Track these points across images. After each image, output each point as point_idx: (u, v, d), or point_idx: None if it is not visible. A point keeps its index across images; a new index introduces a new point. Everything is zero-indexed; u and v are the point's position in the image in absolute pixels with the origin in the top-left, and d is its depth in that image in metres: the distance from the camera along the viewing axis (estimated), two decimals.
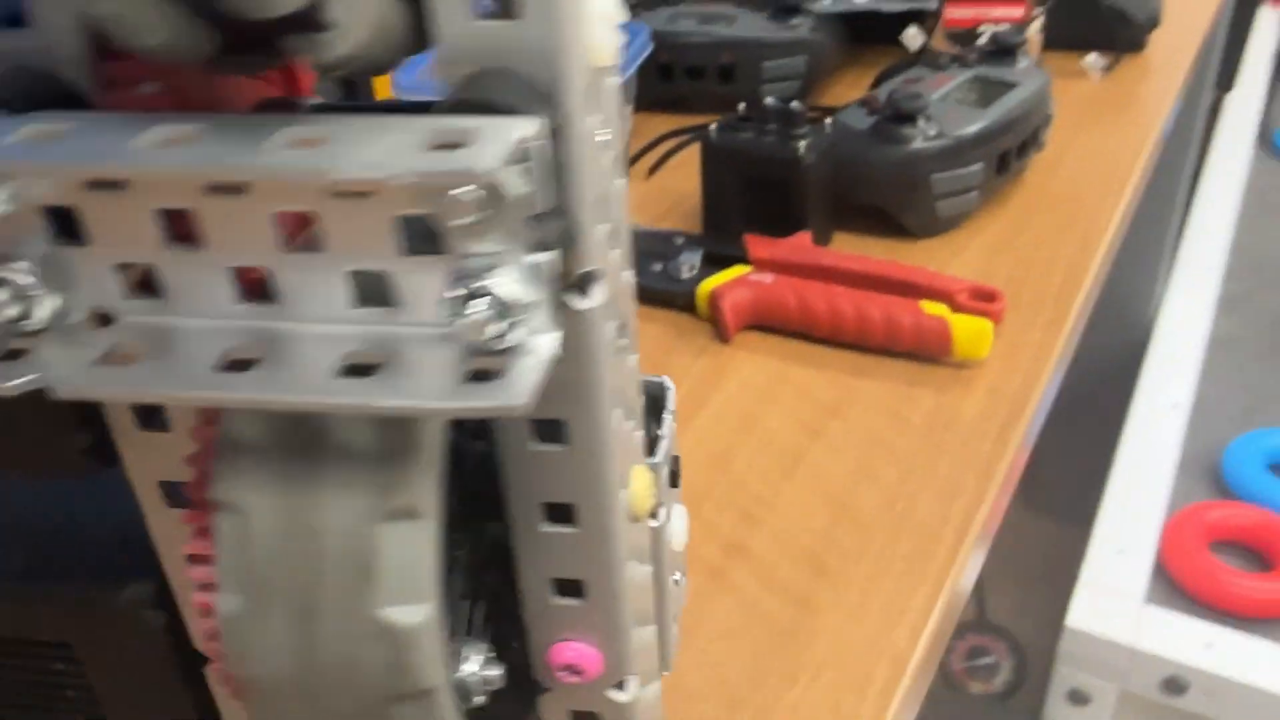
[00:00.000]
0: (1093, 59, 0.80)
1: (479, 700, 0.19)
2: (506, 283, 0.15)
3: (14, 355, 0.15)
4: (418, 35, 0.17)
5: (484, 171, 0.14)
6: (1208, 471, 1.59)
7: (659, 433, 0.25)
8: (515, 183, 0.15)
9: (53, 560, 0.20)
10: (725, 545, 0.43)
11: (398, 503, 0.16)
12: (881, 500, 0.45)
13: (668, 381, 0.25)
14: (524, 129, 0.15)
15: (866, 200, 0.62)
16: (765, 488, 0.46)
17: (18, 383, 0.15)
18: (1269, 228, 2.13)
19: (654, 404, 0.26)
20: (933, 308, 0.52)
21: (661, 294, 0.57)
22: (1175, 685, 0.99)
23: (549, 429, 0.19)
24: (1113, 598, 1.03)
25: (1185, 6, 0.89)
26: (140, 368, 0.15)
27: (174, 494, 0.19)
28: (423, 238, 0.15)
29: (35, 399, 0.17)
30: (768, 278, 0.55)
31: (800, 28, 0.74)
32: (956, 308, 0.52)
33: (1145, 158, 0.70)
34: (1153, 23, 0.82)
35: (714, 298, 0.55)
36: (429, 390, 0.14)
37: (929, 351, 0.52)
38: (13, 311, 0.15)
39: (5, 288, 0.15)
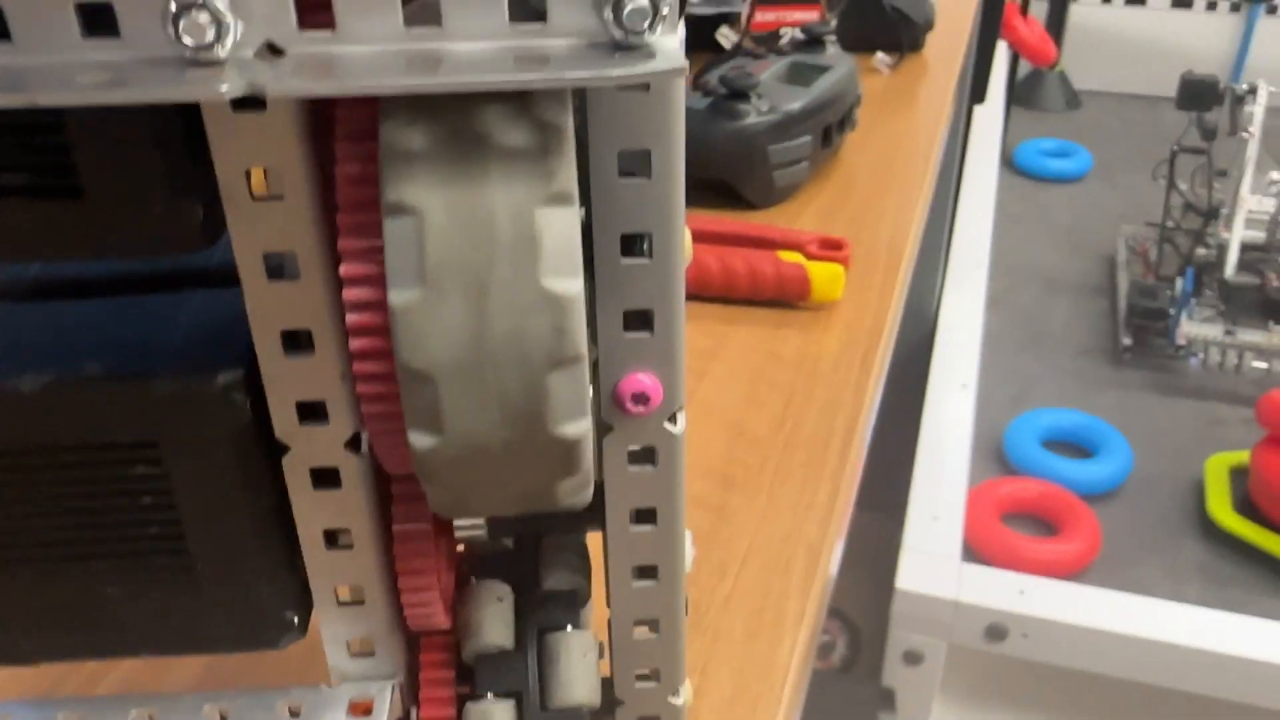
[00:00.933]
0: (881, 57, 0.88)
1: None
2: None
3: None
4: None
5: None
6: (993, 451, 1.74)
7: None
8: None
9: (131, 362, 0.20)
10: None
11: (554, 189, 0.18)
12: (771, 422, 0.49)
13: None
14: None
15: (709, 175, 0.66)
16: None
17: (227, 87, 0.16)
18: (1014, 235, 2.35)
19: None
20: (790, 256, 0.56)
21: None
22: (996, 632, 1.07)
23: None
24: (933, 559, 1.11)
25: (949, 14, 1.00)
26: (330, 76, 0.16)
27: (277, 268, 0.20)
28: None
29: (152, 175, 0.18)
30: None
31: None
32: (809, 256, 0.57)
33: (941, 134, 0.78)
34: (929, 25, 0.91)
35: None
36: (587, 63, 0.17)
37: (790, 297, 0.56)
38: (210, 35, 0.16)
39: (204, 10, 0.16)
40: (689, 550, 0.28)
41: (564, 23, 0.18)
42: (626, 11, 0.17)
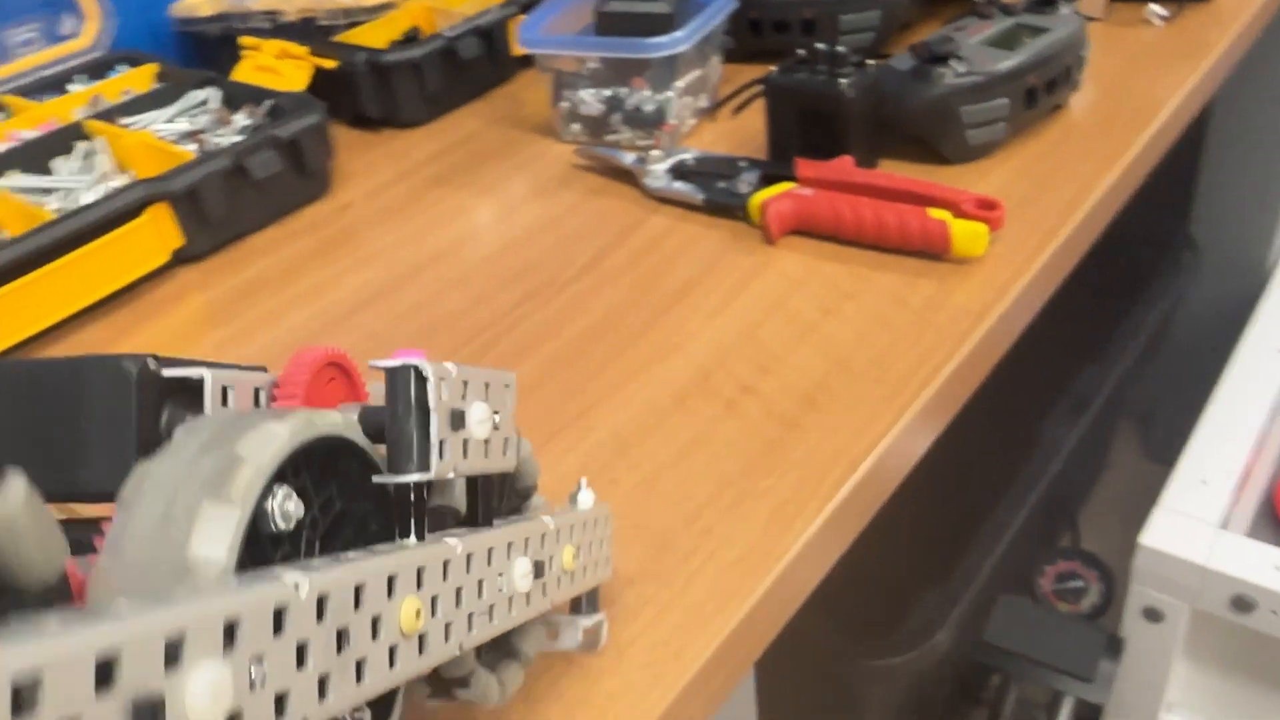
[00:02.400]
0: (1153, 8, 0.87)
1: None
2: None
3: None
4: None
5: None
6: None
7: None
8: None
9: None
10: (740, 387, 0.56)
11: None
12: (871, 359, 0.57)
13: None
14: None
15: (909, 131, 0.72)
16: (780, 349, 0.58)
17: None
18: None
19: None
20: (937, 213, 0.62)
21: (722, 205, 0.69)
22: (1243, 603, 1.05)
23: None
24: (1189, 521, 1.09)
25: None
26: None
27: None
28: None
29: None
30: (809, 192, 0.67)
31: None
32: (960, 214, 0.63)
33: (1182, 95, 0.78)
34: None
35: (763, 207, 0.67)
36: None
37: (933, 249, 0.63)
38: None
39: None
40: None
41: None
42: None
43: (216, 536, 0.23)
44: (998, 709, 1.23)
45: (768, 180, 0.69)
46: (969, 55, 0.70)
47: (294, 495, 0.25)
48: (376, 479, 0.29)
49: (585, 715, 0.41)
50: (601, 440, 0.54)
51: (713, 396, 0.55)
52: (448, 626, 0.29)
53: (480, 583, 0.31)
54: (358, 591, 0.24)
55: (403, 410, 0.28)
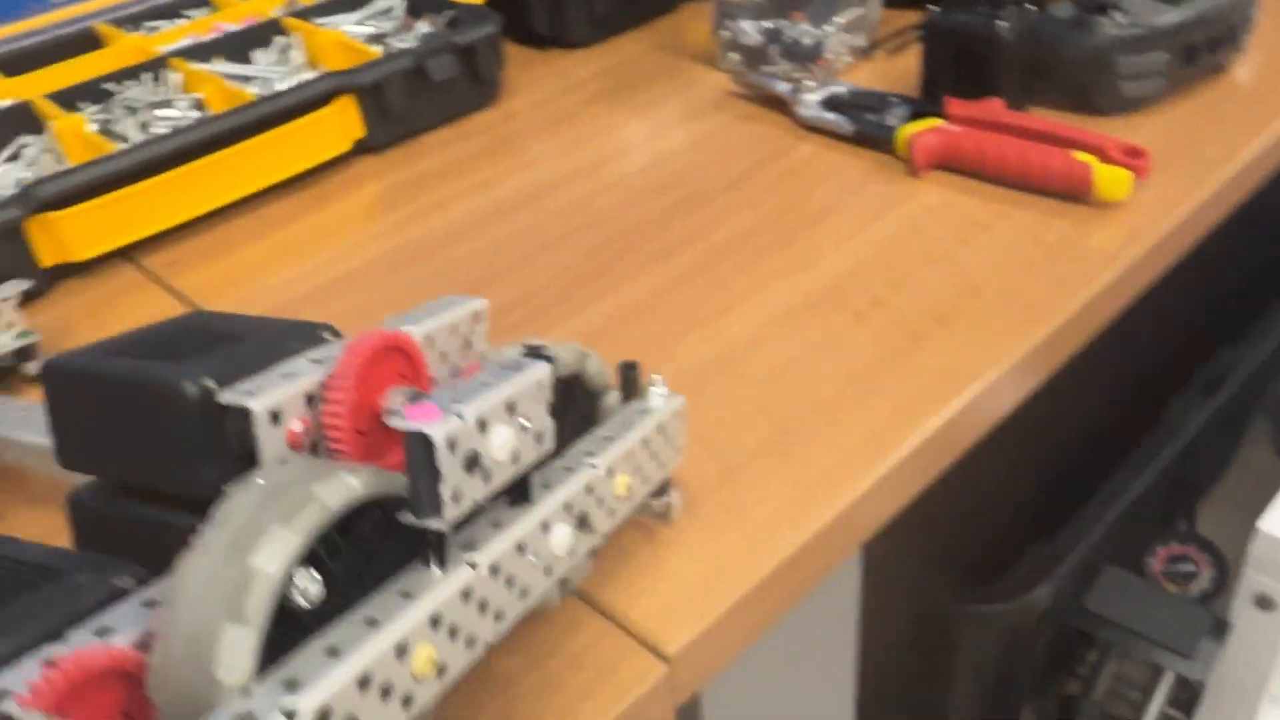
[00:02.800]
0: None
1: None
2: None
3: None
4: None
5: None
6: None
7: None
8: None
9: None
10: (871, 300, 0.59)
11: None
12: (1001, 288, 0.59)
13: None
14: None
15: (1063, 79, 0.73)
16: (912, 270, 0.61)
17: None
18: None
19: None
20: (1082, 156, 0.64)
21: (870, 136, 0.72)
22: None
23: None
24: None
25: None
26: None
27: None
28: None
29: None
30: (956, 129, 0.69)
31: None
32: (1106, 159, 0.64)
33: None
34: None
35: (910, 140, 0.69)
36: None
37: (1074, 191, 0.64)
38: None
39: None
40: None
41: None
42: None
43: (236, 656, 0.27)
44: (1091, 683, 1.23)
45: (916, 116, 0.71)
46: (1131, 6, 0.71)
47: (315, 576, 0.29)
48: (400, 519, 0.31)
49: (708, 563, 0.45)
50: (737, 335, 0.57)
51: (844, 306, 0.59)
52: (470, 636, 0.33)
53: (510, 578, 0.34)
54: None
55: (416, 469, 0.30)
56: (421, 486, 0.31)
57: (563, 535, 0.37)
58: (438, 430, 0.30)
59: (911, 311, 0.58)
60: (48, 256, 0.66)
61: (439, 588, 0.31)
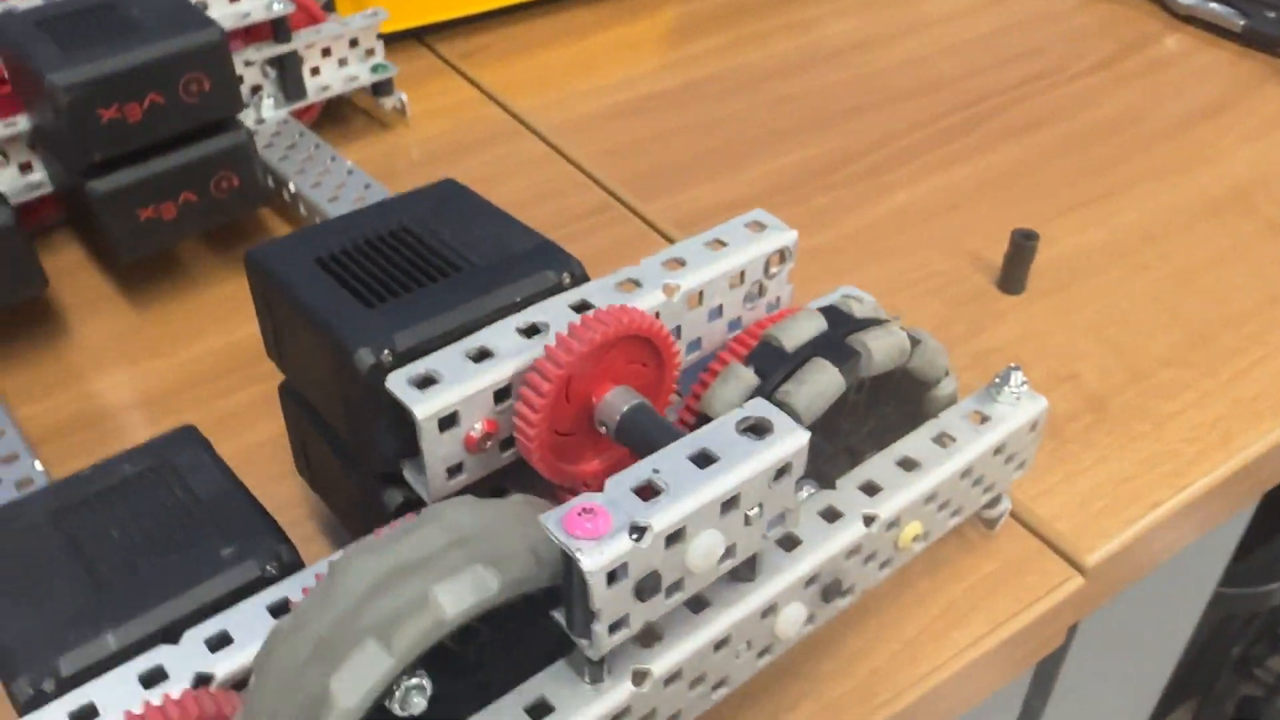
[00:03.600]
0: None
1: None
2: None
3: None
4: None
5: None
6: None
7: None
8: None
9: None
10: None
11: None
12: None
13: None
14: None
15: None
16: None
17: None
18: None
19: None
20: None
21: (1265, 36, 0.62)
22: None
23: None
24: None
25: None
26: None
27: None
28: None
29: None
30: None
31: None
32: None
33: None
34: None
35: None
36: None
37: None
38: None
39: None
40: None
41: None
42: None
43: None
44: (1277, 689, 1.15)
45: None
46: None
47: (423, 685, 0.22)
48: (554, 615, 0.24)
49: (1124, 468, 0.38)
50: (1125, 224, 0.50)
51: (1252, 214, 0.50)
52: None
53: (699, 677, 0.27)
54: None
55: (569, 588, 0.22)
56: (575, 610, 0.23)
57: (794, 616, 0.28)
58: (592, 560, 0.22)
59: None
60: None
61: (587, 709, 0.24)
